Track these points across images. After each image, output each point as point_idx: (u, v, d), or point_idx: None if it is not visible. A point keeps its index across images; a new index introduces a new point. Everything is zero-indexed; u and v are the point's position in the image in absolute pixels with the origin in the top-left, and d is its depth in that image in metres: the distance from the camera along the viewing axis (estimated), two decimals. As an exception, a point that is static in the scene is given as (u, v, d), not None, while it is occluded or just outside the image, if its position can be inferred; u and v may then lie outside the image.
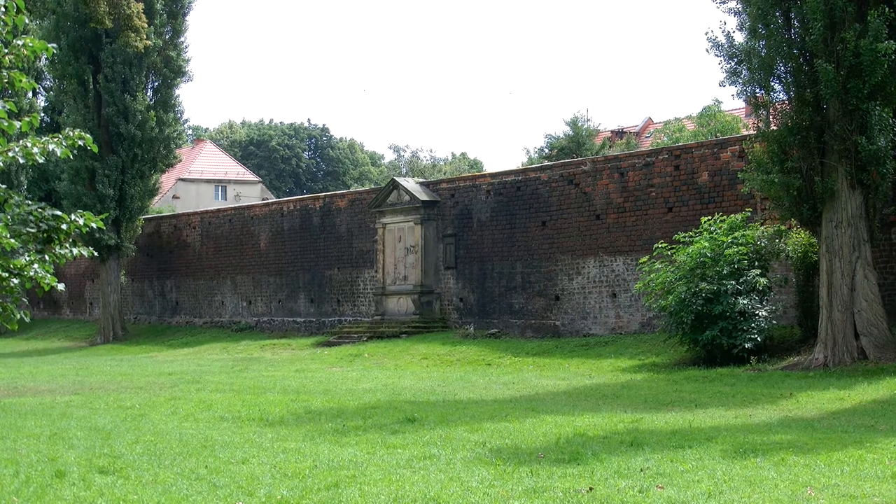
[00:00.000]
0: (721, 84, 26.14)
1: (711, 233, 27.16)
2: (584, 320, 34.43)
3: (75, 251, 11.87)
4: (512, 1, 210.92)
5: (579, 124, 68.45)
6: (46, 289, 11.70)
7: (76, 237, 12.51)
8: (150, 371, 31.37)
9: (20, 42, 11.45)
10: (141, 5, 36.26)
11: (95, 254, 12.91)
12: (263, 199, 78.29)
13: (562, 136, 69.30)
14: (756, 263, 26.48)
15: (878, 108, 23.12)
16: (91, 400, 22.13)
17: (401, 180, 41.48)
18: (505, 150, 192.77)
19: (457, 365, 30.92)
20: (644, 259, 28.83)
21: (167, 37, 49.40)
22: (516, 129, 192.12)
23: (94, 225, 11.65)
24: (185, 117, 54.48)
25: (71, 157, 12.01)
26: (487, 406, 19.33)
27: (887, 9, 22.94)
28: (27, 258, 11.63)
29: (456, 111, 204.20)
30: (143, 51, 41.26)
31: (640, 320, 32.67)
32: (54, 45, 15.39)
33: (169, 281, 53.69)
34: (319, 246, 45.24)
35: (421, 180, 43.15)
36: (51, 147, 11.63)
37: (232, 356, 38.64)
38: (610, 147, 66.31)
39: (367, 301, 42.80)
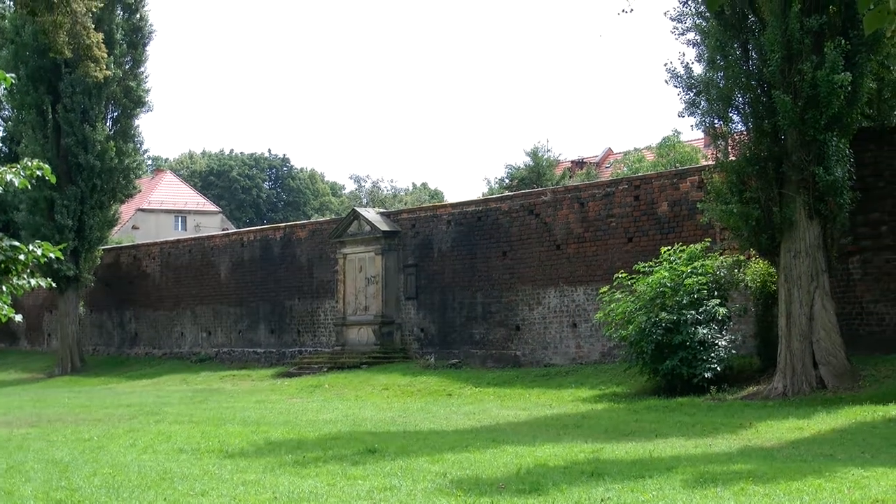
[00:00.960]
0: (680, 115, 26.24)
1: (671, 263, 27.26)
2: (545, 350, 34.44)
3: (33, 282, 11.76)
4: (472, 31, 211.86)
5: (539, 154, 68.68)
6: (3, 320, 11.58)
7: (34, 268, 12.41)
8: (109, 403, 31.11)
9: (-22, 72, 11.36)
10: (101, 35, 36.05)
11: (53, 285, 12.79)
12: (224, 230, 77.99)
13: (522, 166, 69.50)
14: (715, 293, 26.58)
15: (835, 138, 23.36)
16: (48, 432, 21.91)
17: (361, 210, 41.47)
18: (466, 181, 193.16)
19: (418, 395, 30.85)
20: (604, 289, 28.89)
21: (127, 67, 49.26)
22: (477, 160, 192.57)
23: (52, 255, 11.56)
24: (144, 147, 54.59)
25: (29, 187, 11.92)
26: (448, 436, 19.27)
27: (843, 41, 23.19)
28: (-16, 289, 11.51)
29: (416, 141, 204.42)
30: (102, 81, 41.03)
31: (601, 350, 32.72)
32: (13, 74, 15.28)
33: (128, 312, 53.34)
34: (280, 276, 45.12)
35: (382, 210, 43.17)
36: (9, 177, 11.54)
37: (191, 387, 38.39)
38: (570, 177, 66.52)
39: (328, 331, 42.68)
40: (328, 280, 42.81)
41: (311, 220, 53.85)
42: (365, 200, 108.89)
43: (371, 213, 41.18)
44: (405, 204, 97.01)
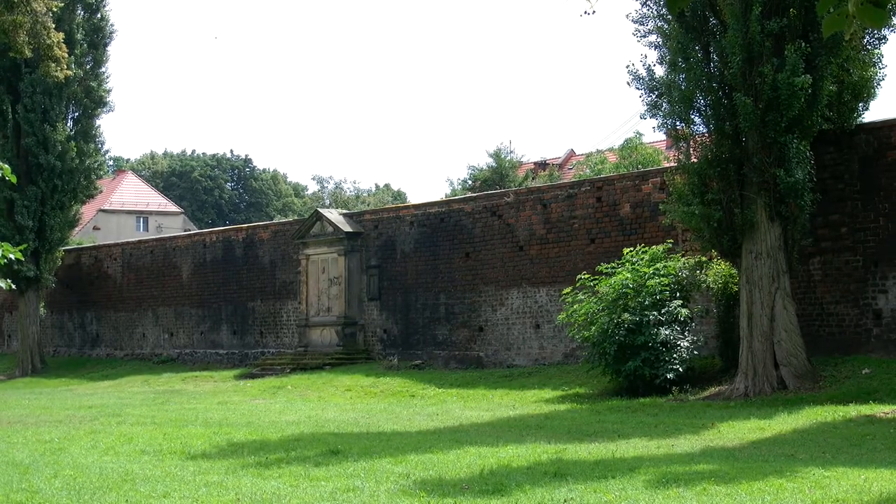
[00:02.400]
0: (642, 117, 26.57)
1: (633, 264, 27.32)
2: (508, 351, 34.48)
3: (-7, 283, 11.67)
4: (434, 33, 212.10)
5: (502, 156, 68.90)
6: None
7: (-6, 269, 12.32)
8: (70, 404, 30.90)
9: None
10: (61, 35, 35.79)
11: (13, 286, 12.72)
12: (185, 231, 77.66)
13: (485, 167, 69.70)
14: (678, 294, 26.66)
15: (795, 141, 23.49)
16: (8, 434, 21.74)
17: (324, 211, 41.41)
18: (428, 182, 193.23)
19: (381, 396, 30.81)
20: (567, 290, 28.93)
21: (88, 67, 48.97)
22: (440, 160, 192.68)
23: (12, 256, 11.48)
24: (106, 148, 53.88)
25: (-11, 187, 11.84)
26: (411, 438, 19.25)
27: (804, 44, 23.34)
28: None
29: (379, 142, 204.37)
30: (63, 81, 40.70)
31: (564, 351, 32.78)
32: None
33: (89, 313, 53.03)
34: (242, 277, 44.97)
35: (344, 211, 43.13)
36: (-32, 177, 11.44)
37: (153, 389, 38.19)
38: (533, 179, 66.67)
39: (291, 332, 42.59)
40: (291, 281, 42.71)
41: (274, 221, 53.70)
42: (328, 201, 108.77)
43: (334, 214, 41.13)
44: (368, 205, 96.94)
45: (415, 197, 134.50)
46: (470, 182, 71.27)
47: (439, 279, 36.94)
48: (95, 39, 49.21)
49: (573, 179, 49.57)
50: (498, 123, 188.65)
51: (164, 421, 24.19)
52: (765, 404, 22.42)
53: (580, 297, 27.93)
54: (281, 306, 43.30)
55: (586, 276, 28.43)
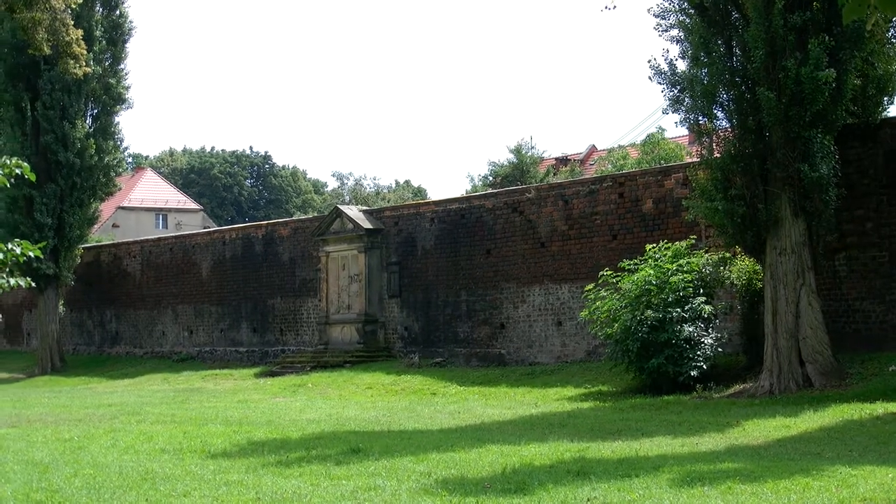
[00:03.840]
0: (664, 112, 26.26)
1: (656, 260, 27.25)
2: (530, 349, 34.44)
3: (12, 281, 11.69)
4: (455, 29, 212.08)
5: (523, 151, 68.76)
6: (-17, 319, 11.52)
7: (13, 267, 12.33)
8: (90, 403, 30.99)
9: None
10: (80, 32, 35.80)
11: (33, 284, 12.72)
12: (205, 228, 77.82)
13: (506, 163, 69.57)
14: (701, 291, 26.57)
15: (819, 135, 23.37)
16: (28, 432, 21.81)
17: (344, 208, 41.40)
18: (449, 178, 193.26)
19: (402, 394, 30.81)
20: (589, 287, 28.85)
21: (107, 63, 49.11)
22: (460, 157, 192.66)
23: (31, 254, 11.49)
24: (125, 145, 53.95)
25: (8, 185, 11.86)
26: (433, 436, 19.24)
27: (827, 37, 23.20)
28: (-37, 289, 11.44)
29: (399, 138, 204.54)
30: (82, 78, 40.76)
31: (586, 348, 32.72)
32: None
33: (108, 311, 53.18)
34: (262, 275, 45.02)
35: (364, 208, 43.09)
36: (-13, 175, 11.46)
37: (173, 387, 38.29)
38: (554, 174, 66.60)
39: (311, 330, 42.61)
40: (311, 278, 42.74)
41: (294, 218, 53.83)
42: (347, 198, 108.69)
43: (354, 211, 41.11)
44: (388, 201, 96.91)
45: (435, 193, 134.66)
46: (490, 178, 71.15)
47: (460, 276, 36.92)
48: (114, 36, 49.31)
49: (595, 175, 49.51)
50: (519, 119, 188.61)
51: (184, 419, 24.24)
52: (790, 402, 22.32)
53: (602, 293, 27.85)
54: (301, 304, 43.34)
55: (609, 272, 28.35)
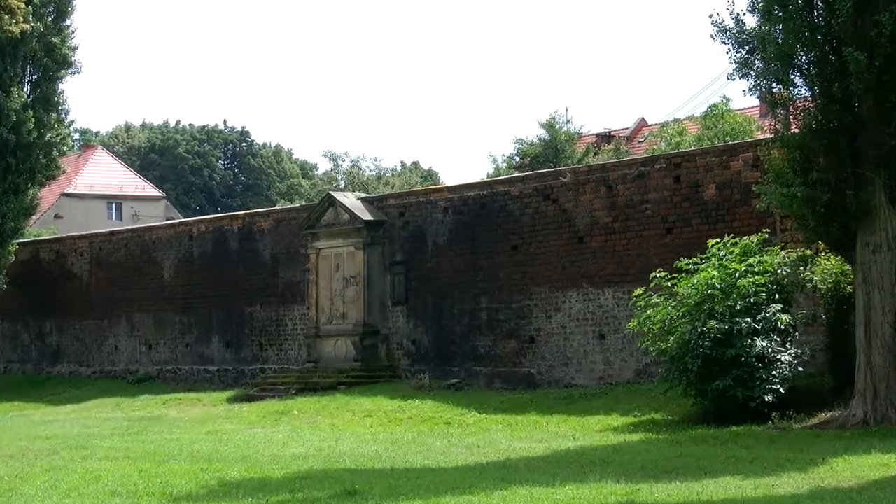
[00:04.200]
0: (730, 77, 26.04)
1: (721, 259, 27.12)
2: (566, 367, 34.39)
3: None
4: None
5: (557, 127, 68.68)
6: None
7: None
8: (24, 434, 30.98)
9: None
10: (16, -20, 35.86)
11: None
12: (168, 219, 77.86)
13: (536, 140, 69.53)
14: (776, 297, 26.41)
15: (922, 105, 23.19)
16: (-52, 471, 21.72)
17: (338, 196, 41.38)
18: (466, 159, 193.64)
19: (408, 424, 30.79)
20: (638, 291, 28.71)
21: (49, 20, 48.85)
22: (480, 134, 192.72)
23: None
24: (71, 118, 53.72)
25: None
26: (447, 475, 19.15)
27: (931, -15, 22.98)
28: None
29: (405, 111, 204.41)
30: (18, 36, 40.84)
31: (635, 367, 32.66)
32: None
33: (49, 321, 53.20)
34: (237, 277, 45.03)
35: (363, 195, 43.16)
36: None
37: (127, 415, 38.30)
38: (595, 154, 66.49)
39: (297, 345, 42.61)
40: (297, 281, 42.73)
41: (277, 208, 53.87)
42: (343, 183, 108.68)
43: (350, 199, 41.08)
44: (392, 187, 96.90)
45: (449, 178, 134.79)
46: (517, 159, 71.18)
47: (480, 278, 36.85)
48: (58, -15, 49.20)
49: (645, 155, 49.31)
50: (551, 88, 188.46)
51: (141, 455, 24.18)
52: (889, 434, 22.18)
53: (655, 299, 27.74)
54: (285, 312, 43.33)
55: (662, 273, 28.23)
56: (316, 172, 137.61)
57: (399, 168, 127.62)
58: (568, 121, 70.17)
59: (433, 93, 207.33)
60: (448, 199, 38.18)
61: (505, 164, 74.21)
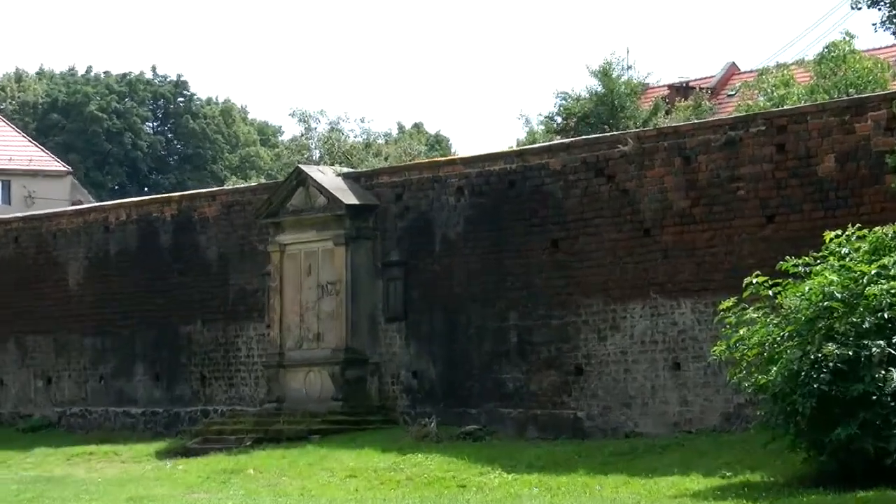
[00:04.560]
0: (853, 6, 25.98)
1: (842, 258, 27.02)
2: (627, 409, 34.32)
3: None
4: None
5: (614, 76, 68.68)
6: None
7: None
8: None
9: None
10: None
11: None
12: (75, 204, 77.90)
13: (585, 95, 69.53)
14: (920, 311, 26.33)
15: None
16: None
17: (311, 171, 41.39)
18: (488, 121, 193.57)
19: (407, 487, 30.83)
20: (727, 303, 28.64)
21: None
22: (507, 87, 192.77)
23: None
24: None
25: None
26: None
27: None
28: None
29: (403, 58, 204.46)
30: None
31: (722, 409, 32.60)
32: None
33: None
34: (171, 283, 45.10)
35: (346, 170, 43.21)
36: None
37: (16, 475, 38.33)
38: (667, 113, 66.59)
39: (253, 378, 42.66)
40: (254, 289, 42.78)
41: (226, 188, 53.81)
42: (318, 154, 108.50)
43: (328, 176, 41.04)
44: (386, 160, 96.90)
45: (465, 146, 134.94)
46: (560, 120, 71.25)
47: (508, 286, 36.81)
48: None
49: (736, 114, 49.18)
50: (606, 25, 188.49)
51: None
52: None
53: (750, 314, 27.64)
54: (236, 333, 43.38)
55: (760, 279, 28.13)
56: (280, 139, 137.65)
57: (395, 133, 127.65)
58: (629, 67, 70.31)
59: (444, 35, 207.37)
60: (463, 176, 38.10)
61: (542, 128, 74.28)
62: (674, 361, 33.66)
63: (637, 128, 49.81)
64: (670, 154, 33.97)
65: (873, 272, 26.30)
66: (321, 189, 40.21)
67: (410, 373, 39.07)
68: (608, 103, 67.41)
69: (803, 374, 25.61)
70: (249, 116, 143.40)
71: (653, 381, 33.99)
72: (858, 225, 28.22)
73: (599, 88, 68.66)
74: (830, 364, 25.39)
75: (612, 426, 34.50)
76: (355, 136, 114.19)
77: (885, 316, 25.79)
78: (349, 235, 39.77)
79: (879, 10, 25.80)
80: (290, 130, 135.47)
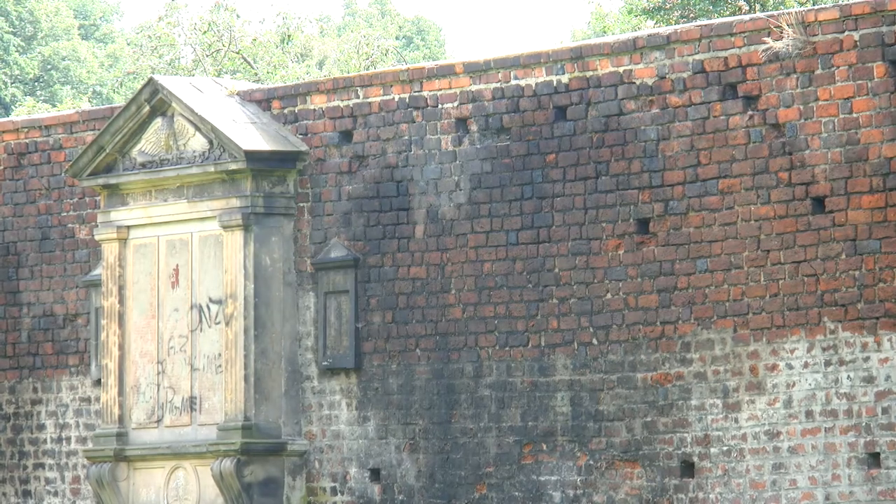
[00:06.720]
0: None
1: None
2: (774, 539, 34.47)
3: None
4: None
5: None
6: None
7: None
8: None
9: None
10: None
11: None
12: None
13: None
14: None
15: None
16: None
17: (179, 87, 41.26)
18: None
19: None
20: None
21: None
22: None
23: None
24: None
25: None
26: None
27: None
28: None
29: None
30: None
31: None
32: None
33: None
34: None
35: (246, 86, 43.13)
36: None
37: None
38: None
39: (67, 478, 42.77)
40: (68, 314, 42.87)
41: (24, 118, 54.11)
42: (190, 53, 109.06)
43: (210, 96, 40.95)
44: (321, 66, 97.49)
45: (469, 42, 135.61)
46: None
47: (552, 299, 36.82)
48: None
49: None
50: None
51: None
52: None
53: None
54: (37, 396, 43.51)
55: None
56: (119, 29, 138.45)
57: (341, 17, 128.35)
58: None
59: None
60: (469, 98, 38.09)
61: (622, 5, 74.83)
62: (868, 450, 33.77)
63: (797, 6, 50.10)
64: (865, 55, 34.01)
65: None
66: (197, 122, 40.19)
67: (367, 471, 39.11)
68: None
69: None
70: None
71: (827, 485, 34.11)
72: None
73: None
74: None
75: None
76: (263, 22, 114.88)
77: None
78: (253, 210, 39.74)
79: None
80: (140, 13, 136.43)
